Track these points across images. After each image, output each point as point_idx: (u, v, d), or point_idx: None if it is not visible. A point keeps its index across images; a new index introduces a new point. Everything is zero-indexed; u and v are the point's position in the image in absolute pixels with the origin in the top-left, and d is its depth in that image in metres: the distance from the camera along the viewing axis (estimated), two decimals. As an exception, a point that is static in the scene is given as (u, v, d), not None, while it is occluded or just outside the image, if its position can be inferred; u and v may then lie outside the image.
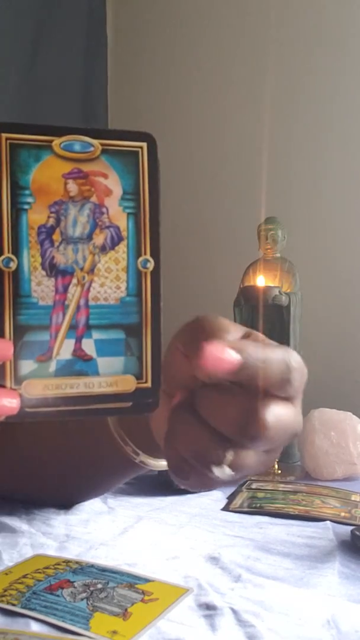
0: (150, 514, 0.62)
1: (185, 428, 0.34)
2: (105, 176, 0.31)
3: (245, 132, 1.33)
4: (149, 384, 0.32)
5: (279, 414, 0.34)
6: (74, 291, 0.31)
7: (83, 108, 1.44)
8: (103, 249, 0.32)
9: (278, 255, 0.96)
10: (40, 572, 0.46)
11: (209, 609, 0.42)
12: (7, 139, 0.30)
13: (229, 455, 0.34)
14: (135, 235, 0.32)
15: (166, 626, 0.40)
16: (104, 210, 0.31)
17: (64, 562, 0.48)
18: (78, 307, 0.31)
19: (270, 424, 0.33)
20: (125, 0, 1.49)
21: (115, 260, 0.32)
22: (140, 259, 0.32)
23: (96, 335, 0.32)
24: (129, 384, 0.32)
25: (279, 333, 0.92)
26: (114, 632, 0.38)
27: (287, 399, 0.35)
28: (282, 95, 1.29)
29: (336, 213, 1.28)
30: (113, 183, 0.32)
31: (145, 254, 0.32)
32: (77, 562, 0.48)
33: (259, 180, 1.13)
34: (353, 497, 0.70)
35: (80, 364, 0.31)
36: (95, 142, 0.31)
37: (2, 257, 0.30)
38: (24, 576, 0.45)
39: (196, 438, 0.34)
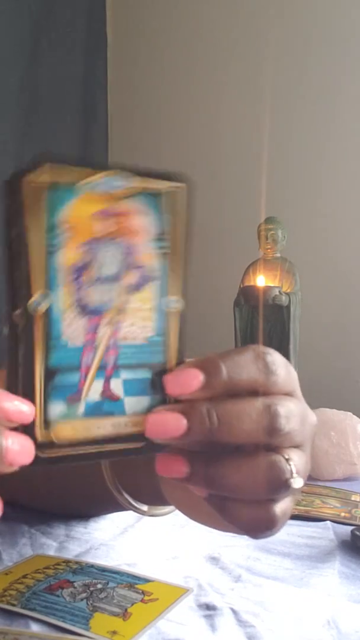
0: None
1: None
2: (137, 216, 0.31)
3: (245, 131, 1.33)
4: None
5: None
6: (103, 332, 0.31)
7: (83, 108, 1.44)
8: (132, 289, 0.31)
9: (278, 255, 0.96)
10: (40, 572, 0.46)
11: (209, 609, 0.42)
12: None
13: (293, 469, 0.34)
14: (165, 276, 0.32)
15: (166, 626, 0.40)
16: (135, 250, 0.31)
17: (63, 562, 0.48)
18: (107, 347, 0.31)
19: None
20: (125, 0, 1.49)
21: (143, 300, 0.31)
22: (168, 299, 0.32)
23: (124, 375, 0.31)
24: None
25: (279, 333, 0.92)
26: (114, 632, 0.38)
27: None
28: (282, 94, 1.29)
29: (336, 213, 1.28)
30: (146, 223, 0.31)
31: (173, 294, 0.32)
32: (77, 562, 0.48)
33: (258, 180, 1.13)
34: (353, 497, 0.70)
35: (108, 405, 0.31)
36: (131, 180, 0.30)
37: (32, 299, 0.29)
38: (24, 576, 0.45)
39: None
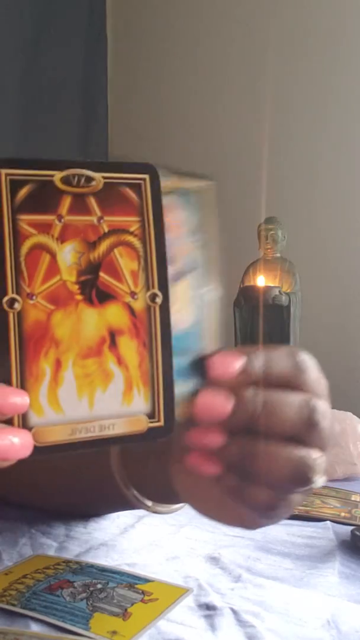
0: (151, 514, 0.62)
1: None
2: (172, 211, 0.32)
3: (245, 132, 1.33)
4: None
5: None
6: None
7: (83, 108, 1.44)
8: (174, 279, 0.32)
9: (278, 255, 0.96)
10: (40, 572, 0.46)
11: (209, 609, 0.42)
12: None
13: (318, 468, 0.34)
14: (201, 267, 0.34)
15: (166, 626, 0.40)
16: (174, 242, 0.32)
17: (63, 562, 0.48)
18: None
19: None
20: (125, 0, 1.49)
21: (183, 289, 0.33)
22: (206, 288, 0.34)
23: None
24: None
25: (279, 333, 0.92)
26: (114, 632, 0.38)
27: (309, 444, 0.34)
28: (282, 94, 1.29)
29: (336, 213, 1.28)
30: (181, 218, 0.33)
31: (210, 283, 0.34)
32: (77, 562, 0.48)
33: (258, 180, 1.13)
34: (353, 497, 0.70)
35: None
36: (165, 179, 0.31)
37: None
38: (24, 576, 0.45)
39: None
